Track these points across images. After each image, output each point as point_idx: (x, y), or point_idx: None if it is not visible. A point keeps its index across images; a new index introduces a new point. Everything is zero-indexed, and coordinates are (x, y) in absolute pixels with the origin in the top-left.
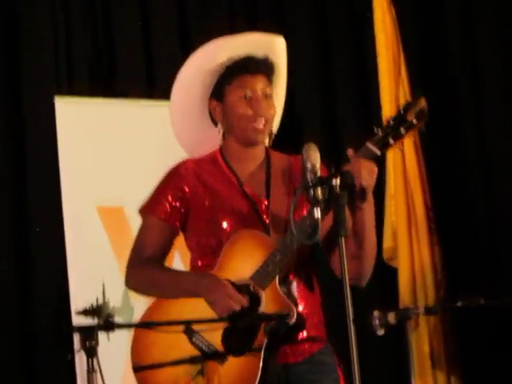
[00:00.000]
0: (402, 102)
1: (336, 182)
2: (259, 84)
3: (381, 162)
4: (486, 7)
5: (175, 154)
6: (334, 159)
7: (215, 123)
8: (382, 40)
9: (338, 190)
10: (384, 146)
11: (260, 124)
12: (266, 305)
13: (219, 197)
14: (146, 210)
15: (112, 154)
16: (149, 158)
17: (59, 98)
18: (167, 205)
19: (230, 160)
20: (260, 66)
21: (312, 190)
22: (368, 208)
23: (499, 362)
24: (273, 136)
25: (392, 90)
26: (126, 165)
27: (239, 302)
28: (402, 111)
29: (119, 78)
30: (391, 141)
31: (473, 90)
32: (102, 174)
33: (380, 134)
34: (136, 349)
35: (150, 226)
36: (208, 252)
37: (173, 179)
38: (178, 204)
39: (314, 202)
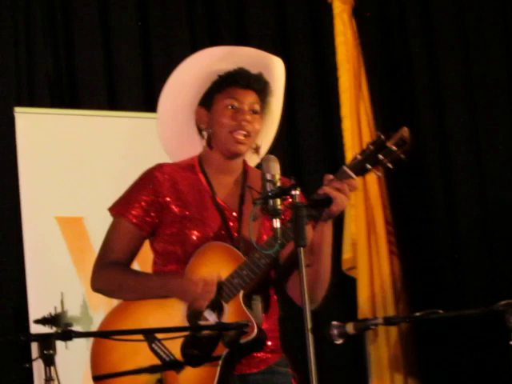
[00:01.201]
0: (362, 115)
1: (296, 192)
2: (248, 98)
3: None
4: (447, 19)
5: (135, 165)
6: (293, 173)
7: (200, 132)
8: (342, 53)
9: (297, 200)
10: (360, 170)
11: (240, 136)
12: (228, 317)
13: (191, 206)
14: (117, 212)
15: (71, 164)
16: (108, 168)
17: (19, 109)
18: (140, 209)
19: (208, 169)
20: (251, 82)
21: (271, 201)
22: (327, 232)
23: (457, 374)
24: (259, 150)
25: (352, 103)
26: (85, 175)
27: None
28: (382, 137)
29: (80, 89)
30: (368, 166)
31: (434, 102)
32: (61, 184)
33: (358, 158)
34: (96, 353)
35: (120, 228)
36: (173, 259)
37: (147, 182)
38: (150, 209)
39: (274, 213)
